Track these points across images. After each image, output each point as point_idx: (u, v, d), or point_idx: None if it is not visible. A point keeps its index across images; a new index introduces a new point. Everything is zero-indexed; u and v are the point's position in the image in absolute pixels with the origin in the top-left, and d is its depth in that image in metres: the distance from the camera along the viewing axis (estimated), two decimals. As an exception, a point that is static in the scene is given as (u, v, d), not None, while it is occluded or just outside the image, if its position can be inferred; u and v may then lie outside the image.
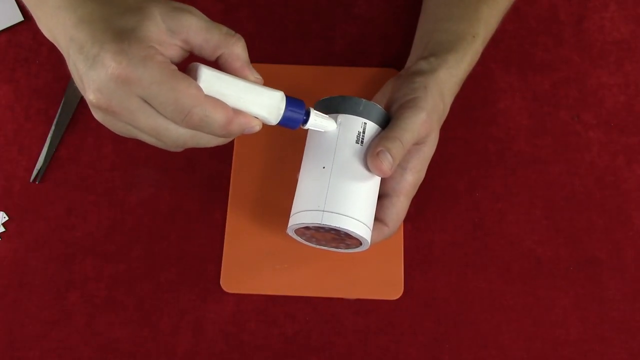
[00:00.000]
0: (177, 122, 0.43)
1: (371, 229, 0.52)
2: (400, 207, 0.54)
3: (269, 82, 0.57)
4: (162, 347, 0.58)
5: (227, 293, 0.59)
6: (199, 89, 0.43)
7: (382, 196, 0.54)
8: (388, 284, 0.59)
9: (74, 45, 0.43)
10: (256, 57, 0.68)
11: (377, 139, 0.51)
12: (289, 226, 0.52)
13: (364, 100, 0.52)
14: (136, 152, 0.64)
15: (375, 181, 0.52)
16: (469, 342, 0.58)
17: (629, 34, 0.69)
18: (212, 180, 0.63)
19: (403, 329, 0.58)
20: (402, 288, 0.59)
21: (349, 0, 0.71)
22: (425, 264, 0.60)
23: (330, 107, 0.52)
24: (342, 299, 0.59)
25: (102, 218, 0.62)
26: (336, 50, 0.68)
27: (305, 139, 0.54)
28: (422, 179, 0.55)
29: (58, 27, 0.45)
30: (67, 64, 0.45)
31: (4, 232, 0.62)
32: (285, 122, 0.48)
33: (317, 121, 0.50)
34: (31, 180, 0.63)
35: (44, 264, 0.61)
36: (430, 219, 0.62)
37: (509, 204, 0.62)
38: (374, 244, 0.53)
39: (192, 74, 0.45)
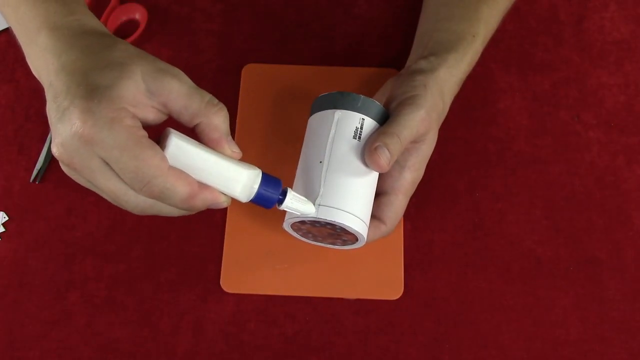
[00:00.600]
0: (136, 190, 0.42)
1: (367, 224, 0.52)
2: (398, 205, 0.54)
3: (269, 81, 0.57)
4: (162, 347, 0.58)
5: (227, 293, 0.59)
6: (164, 159, 0.41)
7: (381, 194, 0.54)
8: (388, 284, 0.59)
9: (51, 92, 0.42)
10: (256, 57, 0.68)
11: (375, 134, 0.51)
12: (285, 220, 0.53)
13: (362, 96, 0.52)
14: (136, 152, 0.64)
15: (372, 177, 0.52)
16: (469, 342, 0.58)
17: (629, 34, 0.69)
18: (212, 180, 0.63)
19: (403, 329, 0.58)
20: (402, 288, 0.59)
21: (349, 0, 0.71)
22: (425, 264, 0.60)
23: (329, 103, 0.52)
24: (342, 299, 0.59)
25: (102, 218, 0.62)
26: (336, 50, 0.68)
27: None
28: (421, 177, 0.55)
29: (43, 69, 0.45)
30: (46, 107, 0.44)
31: (4, 232, 0.62)
32: (257, 201, 0.46)
33: (294, 204, 0.48)
34: (31, 180, 0.63)
35: (44, 264, 0.61)
36: (430, 219, 0.62)
37: (509, 204, 0.62)
38: (371, 241, 0.53)
39: (163, 141, 0.43)
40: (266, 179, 0.46)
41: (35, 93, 0.67)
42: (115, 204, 0.44)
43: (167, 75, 0.43)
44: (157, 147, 0.42)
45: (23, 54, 0.68)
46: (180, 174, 0.42)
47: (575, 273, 0.60)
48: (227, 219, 0.61)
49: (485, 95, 0.66)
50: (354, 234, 0.51)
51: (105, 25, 0.68)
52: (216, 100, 0.45)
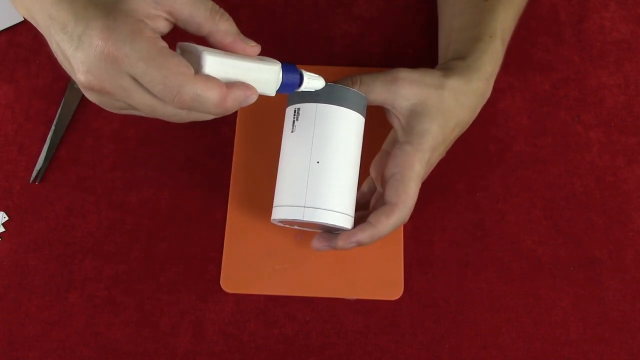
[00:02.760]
0: (168, 102, 0.42)
1: (353, 215, 0.53)
2: (406, 183, 0.53)
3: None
4: (162, 347, 0.58)
5: (227, 293, 0.59)
6: (189, 67, 0.41)
7: (389, 176, 0.53)
8: (388, 284, 0.59)
9: (55, 24, 0.41)
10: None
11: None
12: (272, 218, 0.54)
13: (342, 87, 0.53)
14: (136, 152, 0.64)
15: (354, 169, 0.53)
16: (469, 342, 0.58)
17: (629, 34, 0.69)
18: (212, 180, 0.63)
19: (403, 329, 0.58)
20: (402, 288, 0.59)
21: (349, 0, 0.71)
22: (425, 264, 0.60)
23: (307, 95, 0.53)
24: (342, 299, 0.59)
25: (102, 218, 0.62)
26: (336, 50, 0.68)
27: (305, 137, 0.54)
28: (432, 160, 0.55)
29: (36, 5, 0.43)
30: (49, 44, 0.43)
31: (4, 232, 0.62)
32: (282, 89, 0.49)
33: (310, 83, 0.50)
34: (31, 181, 0.63)
35: (44, 264, 0.61)
36: (430, 219, 0.62)
37: (509, 204, 0.62)
38: (390, 229, 0.53)
39: (194, 58, 0.44)
40: (286, 69, 0.48)
41: (35, 93, 0.67)
42: (155, 117, 0.44)
43: None
44: (180, 56, 0.41)
45: (23, 54, 0.68)
46: (208, 78, 0.42)
47: (575, 273, 0.60)
48: (227, 219, 0.61)
49: (485, 95, 0.66)
50: (341, 227, 0.53)
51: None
52: (218, 7, 0.45)
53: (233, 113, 0.66)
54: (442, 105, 0.53)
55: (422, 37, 0.68)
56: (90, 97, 0.44)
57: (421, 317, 0.59)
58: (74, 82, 0.66)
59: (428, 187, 0.60)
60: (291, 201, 0.52)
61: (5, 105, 0.66)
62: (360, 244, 0.53)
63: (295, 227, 0.57)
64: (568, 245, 0.61)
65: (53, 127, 0.65)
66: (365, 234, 0.52)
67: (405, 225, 0.61)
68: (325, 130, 0.52)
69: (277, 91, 0.48)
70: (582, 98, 0.66)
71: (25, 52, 0.68)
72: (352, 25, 0.70)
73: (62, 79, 0.67)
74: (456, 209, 0.62)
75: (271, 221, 0.55)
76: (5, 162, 0.64)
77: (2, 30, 0.69)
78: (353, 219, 0.54)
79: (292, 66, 0.49)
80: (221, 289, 0.59)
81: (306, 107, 0.52)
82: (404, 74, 0.53)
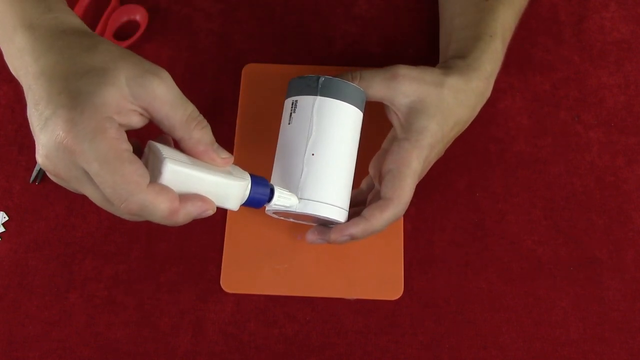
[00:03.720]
0: (116, 206, 0.41)
1: (347, 209, 0.53)
2: (401, 179, 0.53)
3: (269, 81, 0.57)
4: (162, 347, 0.58)
5: (227, 293, 0.59)
6: (143, 175, 0.41)
7: (386, 173, 0.53)
8: (388, 284, 0.59)
9: (31, 97, 0.41)
10: (256, 57, 0.68)
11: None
12: (266, 209, 0.54)
13: (341, 81, 0.53)
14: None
15: (350, 163, 0.53)
16: (469, 342, 0.58)
17: (629, 33, 0.69)
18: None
19: (403, 329, 0.58)
20: (402, 288, 0.59)
21: (349, 0, 0.71)
22: (425, 264, 0.60)
23: (305, 88, 0.53)
24: (342, 299, 0.59)
25: (102, 218, 0.62)
26: (336, 50, 0.68)
27: (302, 129, 0.53)
28: (430, 157, 0.55)
29: (21, 70, 0.43)
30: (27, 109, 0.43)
31: (4, 232, 0.62)
32: (248, 205, 0.48)
33: (280, 201, 0.50)
34: (31, 181, 0.63)
35: (44, 264, 0.61)
36: (430, 219, 0.62)
37: (509, 204, 0.62)
38: (385, 225, 0.53)
39: (156, 163, 0.43)
40: (255, 184, 0.48)
41: (35, 93, 0.67)
42: (106, 210, 0.44)
43: (153, 80, 0.42)
44: (139, 162, 0.41)
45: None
46: (161, 190, 0.41)
47: (575, 273, 0.60)
48: (227, 219, 0.61)
49: (485, 95, 0.66)
50: (335, 220, 0.53)
51: (105, 26, 0.69)
52: (197, 114, 0.45)
53: (233, 113, 0.66)
54: (442, 103, 0.53)
55: (422, 37, 0.68)
56: (49, 176, 0.44)
57: (421, 317, 0.59)
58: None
59: (428, 187, 0.60)
60: None
61: (5, 105, 0.66)
62: (353, 238, 0.53)
63: (291, 219, 0.57)
64: (568, 245, 0.61)
65: (53, 127, 0.65)
66: (358, 228, 0.52)
67: (405, 225, 0.61)
68: (322, 123, 0.52)
69: (242, 205, 0.48)
70: (582, 98, 0.66)
71: (25, 52, 0.68)
72: (352, 25, 0.70)
73: (62, 79, 0.67)
74: (456, 209, 0.62)
75: (265, 212, 0.55)
76: (5, 162, 0.64)
77: (2, 30, 0.69)
78: (347, 212, 0.53)
79: (263, 181, 0.48)
80: (221, 289, 0.59)
81: (304, 100, 0.52)
82: (404, 70, 0.53)
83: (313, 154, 0.51)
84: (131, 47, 0.68)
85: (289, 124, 0.53)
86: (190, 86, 0.67)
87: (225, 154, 0.46)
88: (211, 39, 0.69)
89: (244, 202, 0.47)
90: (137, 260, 0.61)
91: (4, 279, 0.60)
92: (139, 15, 0.69)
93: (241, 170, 0.48)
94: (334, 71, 0.67)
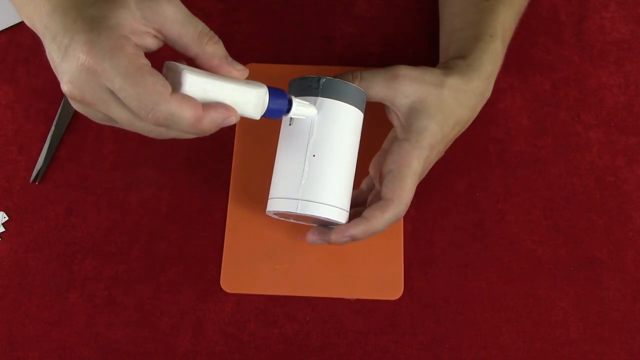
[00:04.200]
0: (142, 118, 0.42)
1: (348, 210, 0.53)
2: (402, 179, 0.53)
3: (269, 82, 0.57)
4: (162, 347, 0.58)
5: (227, 293, 0.59)
6: (165, 85, 0.42)
7: (386, 173, 0.53)
8: (388, 284, 0.59)
9: (48, 33, 0.42)
10: (256, 57, 0.68)
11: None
12: (267, 210, 0.54)
13: (341, 81, 0.53)
14: (136, 152, 0.64)
15: (351, 164, 0.53)
16: (469, 342, 0.58)
17: (629, 33, 0.69)
18: (212, 180, 0.63)
19: (403, 329, 0.58)
20: (402, 288, 0.59)
21: (349, 0, 0.71)
22: (425, 264, 0.60)
23: (305, 89, 0.53)
24: (342, 299, 0.59)
25: (102, 218, 0.62)
26: (336, 50, 0.68)
27: (303, 130, 0.53)
28: (431, 158, 0.55)
29: (35, 15, 0.44)
30: (46, 51, 0.45)
31: (4, 232, 0.62)
32: (269, 115, 0.49)
33: (299, 110, 0.51)
34: (31, 181, 0.63)
35: (44, 264, 0.61)
36: (430, 219, 0.62)
37: (509, 204, 0.62)
38: (386, 226, 0.53)
39: (176, 77, 0.44)
40: (273, 93, 0.49)
41: (35, 93, 0.67)
42: (135, 131, 0.45)
43: (162, 1, 0.43)
44: (159, 74, 0.42)
45: (23, 54, 0.68)
46: (184, 98, 0.43)
47: (575, 273, 0.60)
48: (227, 219, 0.61)
49: (485, 95, 0.66)
50: (333, 222, 0.53)
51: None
52: (207, 30, 0.46)
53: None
54: (442, 103, 0.53)
55: (422, 37, 0.68)
56: (75, 106, 0.45)
57: (421, 317, 0.59)
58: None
59: (428, 187, 0.60)
60: (286, 193, 0.52)
61: (5, 105, 0.66)
62: (354, 239, 0.53)
63: (291, 220, 0.58)
64: (568, 245, 0.61)
65: (53, 127, 0.65)
66: (359, 229, 0.52)
67: (405, 225, 0.61)
68: (322, 124, 0.52)
69: (264, 116, 0.49)
70: (582, 98, 0.66)
71: (25, 52, 0.68)
72: (352, 25, 0.70)
73: (62, 79, 0.67)
74: (456, 209, 0.62)
75: (266, 213, 0.55)
76: (5, 162, 0.64)
77: (2, 30, 0.69)
78: (348, 213, 0.53)
79: (280, 91, 0.49)
80: (221, 289, 0.59)
81: (305, 101, 0.52)
82: (405, 71, 0.53)
83: (314, 155, 0.51)
84: (131, 47, 0.68)
85: (290, 124, 0.53)
86: (190, 86, 0.67)
87: (239, 67, 0.47)
88: (211, 39, 0.69)
89: (264, 111, 0.48)
90: (137, 260, 0.61)
91: (4, 279, 0.60)
92: (139, 15, 0.69)
93: (258, 83, 0.49)
94: (334, 71, 0.67)
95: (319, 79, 0.52)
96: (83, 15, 0.41)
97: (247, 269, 0.60)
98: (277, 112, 0.49)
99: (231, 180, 0.63)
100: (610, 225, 0.62)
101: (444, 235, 0.61)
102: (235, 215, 0.61)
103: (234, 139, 0.64)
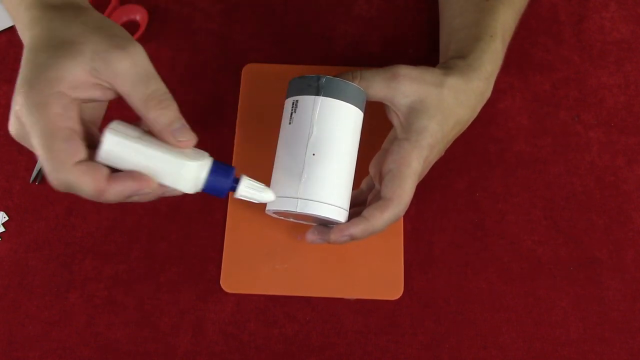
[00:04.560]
0: (49, 180, 0.42)
1: (347, 209, 0.53)
2: (401, 179, 0.52)
3: (269, 81, 0.57)
4: (162, 347, 0.58)
5: (227, 293, 0.59)
6: (73, 154, 0.41)
7: (386, 173, 0.53)
8: (388, 284, 0.59)
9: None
10: (256, 57, 0.68)
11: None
12: (266, 209, 0.54)
13: (342, 80, 0.53)
14: (136, 152, 0.64)
15: (350, 163, 0.53)
16: (469, 342, 0.58)
17: (629, 33, 0.69)
18: (212, 180, 0.63)
19: (403, 329, 0.58)
20: (402, 288, 0.59)
21: (349, 0, 0.71)
22: (425, 264, 0.60)
23: (306, 88, 0.53)
24: (342, 299, 0.59)
25: (102, 218, 0.62)
26: (336, 50, 0.68)
27: (303, 129, 0.53)
28: (430, 158, 0.54)
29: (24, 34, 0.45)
30: None
31: (4, 232, 0.62)
32: (208, 191, 0.46)
33: (249, 193, 0.48)
34: (31, 181, 0.63)
35: (44, 264, 0.61)
36: (430, 219, 0.62)
37: (509, 204, 0.62)
38: (385, 226, 0.53)
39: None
40: (216, 168, 0.45)
41: (35, 93, 0.67)
42: None
43: (119, 55, 0.42)
44: (76, 140, 0.42)
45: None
46: (87, 169, 0.42)
47: (575, 273, 0.60)
48: (227, 219, 0.61)
49: (485, 95, 0.66)
50: (335, 220, 0.53)
51: (105, 25, 0.69)
52: (160, 92, 0.44)
53: (233, 113, 0.66)
54: (442, 103, 0.53)
55: (422, 37, 0.68)
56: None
57: (421, 317, 0.59)
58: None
59: (428, 187, 0.60)
60: (285, 192, 0.51)
61: (5, 105, 0.66)
62: (353, 238, 0.53)
63: (291, 219, 0.57)
64: (568, 245, 0.61)
65: (53, 127, 0.65)
66: (358, 228, 0.52)
67: (405, 225, 0.61)
68: (322, 123, 0.52)
69: (203, 190, 0.46)
70: (582, 98, 0.66)
71: (25, 52, 0.68)
72: (352, 25, 0.70)
73: (62, 79, 0.67)
74: (456, 209, 0.62)
75: (265, 212, 0.55)
76: (5, 162, 0.64)
77: (2, 30, 0.69)
78: (347, 212, 0.53)
79: (226, 168, 0.46)
80: (221, 288, 0.59)
81: (305, 100, 0.52)
82: (404, 70, 0.53)
83: (314, 154, 0.51)
84: (131, 47, 0.68)
85: (290, 123, 0.53)
86: (190, 86, 0.67)
87: (185, 137, 0.44)
88: (211, 39, 0.69)
89: (201, 187, 0.46)
90: (137, 260, 0.61)
91: (4, 279, 0.60)
92: (139, 15, 0.69)
93: (205, 154, 0.46)
94: (334, 71, 0.67)
95: (319, 77, 0.52)
96: (35, 61, 0.42)
97: (247, 269, 0.60)
98: (217, 189, 0.46)
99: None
100: (610, 225, 0.62)
101: (444, 235, 0.61)
102: (235, 215, 0.61)
103: (234, 138, 0.64)
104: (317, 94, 0.52)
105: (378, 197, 0.54)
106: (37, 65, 0.41)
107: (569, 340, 0.58)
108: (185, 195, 0.63)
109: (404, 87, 0.53)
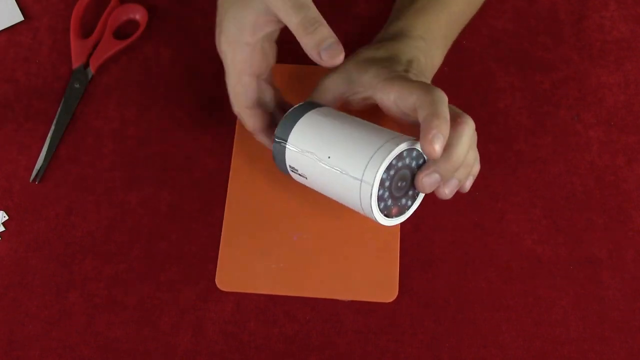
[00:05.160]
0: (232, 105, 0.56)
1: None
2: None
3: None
4: (162, 347, 0.58)
5: (227, 292, 0.59)
6: (248, 95, 0.55)
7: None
8: (383, 286, 0.59)
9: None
10: (256, 56, 0.68)
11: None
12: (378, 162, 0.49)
13: (292, 112, 0.53)
14: (136, 152, 0.64)
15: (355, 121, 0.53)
16: (469, 342, 0.58)
17: (629, 33, 0.69)
18: (211, 180, 0.63)
19: (403, 329, 0.58)
20: (397, 290, 0.59)
21: (349, 0, 0.71)
22: (425, 264, 0.60)
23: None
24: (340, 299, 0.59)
25: (102, 218, 0.62)
26: (336, 50, 0.68)
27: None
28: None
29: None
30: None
31: (4, 232, 0.62)
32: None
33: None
34: (31, 180, 0.63)
35: (44, 264, 0.61)
36: (430, 218, 0.62)
37: (509, 203, 0.62)
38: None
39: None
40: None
41: (35, 93, 0.67)
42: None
43: None
44: (254, 83, 0.55)
45: (23, 54, 0.68)
46: (254, 113, 0.56)
47: (575, 273, 0.60)
48: (224, 218, 0.61)
49: (485, 95, 0.66)
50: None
51: (105, 25, 0.69)
52: (307, 19, 0.50)
53: (233, 113, 0.66)
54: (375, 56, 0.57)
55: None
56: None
57: (421, 316, 0.59)
58: (74, 81, 0.67)
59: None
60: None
61: (5, 105, 0.66)
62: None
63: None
64: (568, 245, 0.61)
65: (53, 127, 0.65)
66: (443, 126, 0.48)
67: (404, 225, 0.61)
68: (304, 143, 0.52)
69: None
70: (582, 97, 0.66)
71: (25, 52, 0.68)
72: (352, 25, 0.69)
73: (62, 79, 0.67)
74: (456, 209, 0.62)
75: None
76: (5, 162, 0.64)
77: (2, 30, 0.69)
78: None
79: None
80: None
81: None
82: (350, 65, 0.58)
83: (329, 157, 0.50)
84: (131, 47, 0.68)
85: (292, 172, 0.54)
86: (191, 86, 0.67)
87: (329, 54, 0.51)
88: (211, 39, 0.69)
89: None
90: (137, 260, 0.61)
91: (4, 279, 0.60)
92: (139, 14, 0.69)
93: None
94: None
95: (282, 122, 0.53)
96: (225, 15, 0.53)
97: (243, 268, 0.60)
98: None
99: (229, 180, 0.63)
100: (610, 225, 0.62)
101: (444, 235, 0.61)
102: (232, 215, 0.61)
103: (233, 138, 0.64)
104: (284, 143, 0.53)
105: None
106: (227, 18, 0.53)
107: (569, 339, 0.58)
108: (185, 195, 0.63)
109: (362, 79, 0.55)
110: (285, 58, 0.68)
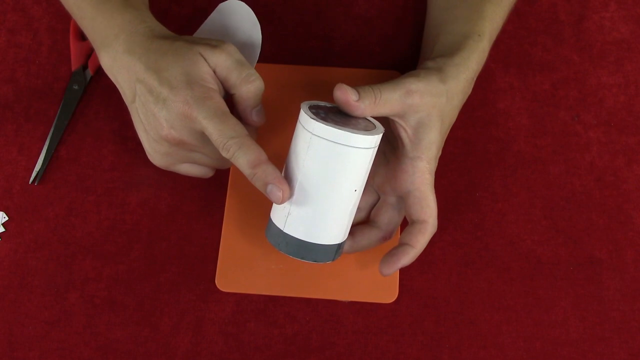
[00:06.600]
0: (219, 149, 0.50)
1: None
2: (427, 198, 0.55)
3: (269, 81, 0.57)
4: (162, 347, 0.58)
5: (227, 293, 0.59)
6: (242, 127, 0.51)
7: (406, 195, 0.55)
8: (383, 286, 0.59)
9: (142, 88, 0.52)
10: (256, 57, 0.68)
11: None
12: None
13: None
14: (136, 152, 0.64)
15: (350, 196, 0.52)
16: (469, 342, 0.58)
17: (629, 33, 0.69)
18: (211, 180, 0.63)
19: (403, 329, 0.58)
20: (397, 291, 0.59)
21: (349, 0, 0.71)
22: (425, 264, 0.60)
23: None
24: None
25: (102, 218, 0.62)
26: (336, 50, 0.68)
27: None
28: (436, 166, 0.55)
29: (123, 70, 0.54)
30: (127, 101, 0.55)
31: (4, 232, 0.62)
32: None
33: None
34: (31, 181, 0.63)
35: (44, 264, 0.61)
36: (430, 219, 0.62)
37: (509, 204, 0.62)
38: (423, 246, 0.55)
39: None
40: None
41: (35, 93, 0.67)
42: (210, 165, 0.57)
43: (218, 51, 0.53)
44: (218, 96, 0.52)
45: (23, 54, 0.68)
46: (255, 142, 0.51)
47: (575, 273, 0.60)
48: (224, 219, 0.61)
49: (485, 95, 0.66)
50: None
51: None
52: (253, 77, 0.54)
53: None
54: (442, 112, 0.54)
55: (422, 37, 0.68)
56: (163, 149, 0.54)
57: (421, 317, 0.59)
58: (73, 83, 0.66)
59: (428, 187, 0.60)
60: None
61: (5, 105, 0.66)
62: (403, 265, 0.55)
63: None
64: (568, 245, 0.61)
65: (53, 127, 0.65)
66: (408, 257, 0.54)
67: (404, 225, 0.61)
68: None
69: None
70: (582, 98, 0.66)
71: (25, 52, 0.68)
72: (352, 25, 0.70)
73: (62, 79, 0.67)
74: (456, 209, 0.62)
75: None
76: (5, 162, 0.64)
77: (2, 31, 0.69)
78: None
79: None
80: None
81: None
82: (415, 85, 0.53)
83: (355, 191, 0.52)
84: (131, 47, 0.68)
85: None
86: (190, 86, 0.67)
87: (257, 118, 0.57)
88: (211, 39, 0.69)
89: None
90: (137, 260, 0.61)
91: (4, 279, 0.60)
92: (139, 15, 0.69)
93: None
94: (334, 71, 0.67)
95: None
96: (173, 74, 0.51)
97: (242, 269, 0.60)
98: None
99: (229, 180, 0.63)
100: (610, 225, 0.62)
101: (444, 235, 0.61)
102: (232, 215, 0.61)
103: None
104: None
105: (395, 214, 0.57)
106: (182, 75, 0.51)
107: (569, 340, 0.58)
108: (185, 195, 0.63)
109: (416, 103, 0.53)
110: (285, 58, 0.68)
